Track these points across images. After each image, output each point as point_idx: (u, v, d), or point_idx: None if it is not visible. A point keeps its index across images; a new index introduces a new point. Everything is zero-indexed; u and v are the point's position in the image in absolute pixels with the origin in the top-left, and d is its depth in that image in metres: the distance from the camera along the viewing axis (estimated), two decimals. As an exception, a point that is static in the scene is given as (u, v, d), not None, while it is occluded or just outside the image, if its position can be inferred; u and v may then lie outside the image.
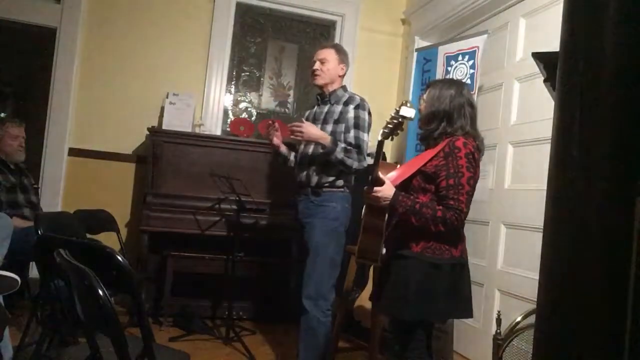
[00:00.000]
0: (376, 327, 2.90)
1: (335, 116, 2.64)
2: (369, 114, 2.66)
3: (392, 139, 1.94)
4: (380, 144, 1.90)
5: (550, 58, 0.97)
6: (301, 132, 2.54)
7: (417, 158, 2.05)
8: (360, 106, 2.64)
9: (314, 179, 2.62)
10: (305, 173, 2.66)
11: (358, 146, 2.57)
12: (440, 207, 1.87)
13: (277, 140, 2.82)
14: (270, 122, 2.85)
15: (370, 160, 2.40)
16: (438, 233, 1.88)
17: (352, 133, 2.59)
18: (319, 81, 2.71)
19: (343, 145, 2.56)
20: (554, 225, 0.82)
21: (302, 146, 2.75)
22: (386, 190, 1.92)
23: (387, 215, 1.95)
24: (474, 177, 1.92)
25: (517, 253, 3.00)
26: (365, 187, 1.94)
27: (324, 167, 2.61)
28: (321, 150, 2.56)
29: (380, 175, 1.94)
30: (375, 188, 1.92)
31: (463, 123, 1.97)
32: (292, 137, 2.62)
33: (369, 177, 1.93)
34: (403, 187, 2.00)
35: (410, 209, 1.89)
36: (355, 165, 2.56)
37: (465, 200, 1.87)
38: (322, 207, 2.59)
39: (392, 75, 4.50)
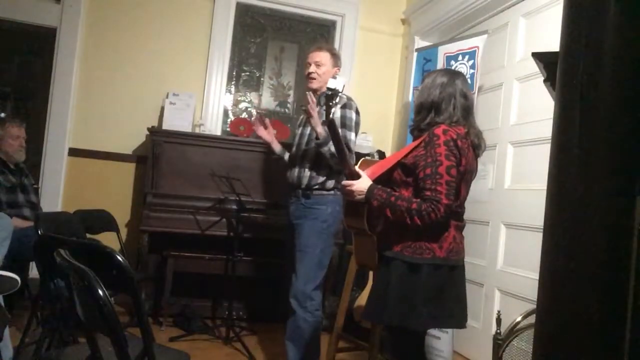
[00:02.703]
0: (376, 327, 2.90)
1: (324, 117, 2.55)
2: (357, 113, 2.62)
3: (332, 115, 1.86)
4: (331, 123, 1.86)
5: (550, 58, 0.97)
6: (312, 109, 2.43)
7: (399, 151, 1.95)
8: (347, 105, 2.59)
9: (304, 180, 2.61)
10: (296, 174, 2.65)
11: (346, 145, 2.46)
12: (417, 200, 1.74)
13: (266, 135, 2.84)
14: (259, 117, 2.88)
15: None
16: (417, 230, 1.75)
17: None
18: (315, 85, 2.69)
19: None
20: (554, 225, 0.82)
21: (294, 148, 2.75)
22: (360, 184, 1.82)
23: (365, 212, 1.84)
24: (457, 166, 1.76)
25: (517, 253, 3.00)
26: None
27: (314, 167, 2.60)
28: (316, 141, 2.49)
29: (357, 168, 1.87)
30: (349, 182, 1.84)
31: (451, 113, 1.85)
32: (302, 108, 2.55)
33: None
34: (386, 182, 1.88)
35: (385, 202, 1.77)
36: None
37: (445, 190, 1.71)
38: (312, 209, 2.59)
39: (392, 75, 4.50)
